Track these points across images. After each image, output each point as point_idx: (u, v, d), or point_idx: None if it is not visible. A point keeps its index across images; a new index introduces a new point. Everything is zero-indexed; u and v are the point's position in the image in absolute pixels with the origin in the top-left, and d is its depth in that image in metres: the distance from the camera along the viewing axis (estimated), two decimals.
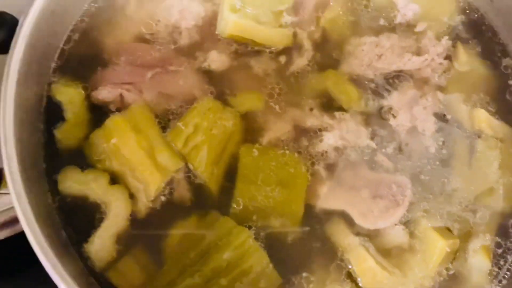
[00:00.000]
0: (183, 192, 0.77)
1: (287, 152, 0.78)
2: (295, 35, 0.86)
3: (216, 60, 0.84)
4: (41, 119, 0.78)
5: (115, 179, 0.75)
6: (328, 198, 0.78)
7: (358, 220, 0.76)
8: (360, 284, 0.74)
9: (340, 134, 0.80)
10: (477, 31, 0.90)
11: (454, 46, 0.87)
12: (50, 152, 0.77)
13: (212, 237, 0.73)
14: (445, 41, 0.86)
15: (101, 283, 0.72)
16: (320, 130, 0.81)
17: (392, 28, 0.88)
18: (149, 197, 0.75)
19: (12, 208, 0.88)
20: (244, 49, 0.85)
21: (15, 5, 0.78)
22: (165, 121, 0.79)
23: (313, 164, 0.79)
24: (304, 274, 0.74)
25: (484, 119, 0.83)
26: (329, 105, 0.83)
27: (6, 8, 0.79)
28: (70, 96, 0.79)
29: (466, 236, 0.78)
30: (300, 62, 0.85)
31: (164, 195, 0.76)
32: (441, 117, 0.83)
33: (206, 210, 0.76)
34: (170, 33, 0.85)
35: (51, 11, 0.77)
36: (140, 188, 0.75)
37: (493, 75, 0.88)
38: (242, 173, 0.76)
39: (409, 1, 0.88)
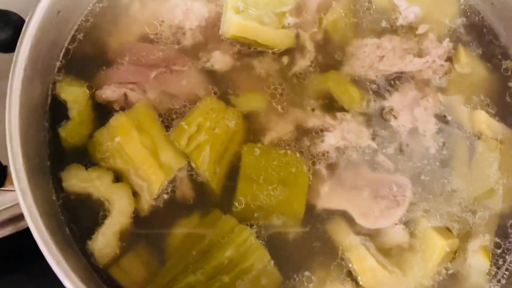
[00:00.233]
0: (185, 190, 0.77)
1: (289, 151, 0.79)
2: (297, 36, 0.87)
3: (220, 60, 0.85)
4: (46, 117, 0.79)
5: (118, 177, 0.76)
6: (329, 198, 0.78)
7: (359, 220, 0.77)
8: (360, 283, 0.74)
9: (342, 135, 0.81)
10: (478, 33, 0.91)
11: (455, 48, 0.88)
12: (55, 150, 0.78)
13: (214, 235, 0.74)
14: (446, 43, 0.87)
15: (104, 280, 0.72)
16: (321, 130, 0.82)
17: (393, 30, 0.89)
18: (152, 195, 0.75)
19: (16, 205, 0.90)
20: (247, 50, 0.86)
21: (21, 5, 0.78)
22: (168, 120, 0.80)
23: (314, 164, 0.79)
24: (305, 273, 0.75)
25: (484, 121, 0.83)
26: (331, 106, 0.84)
27: (12, 7, 0.80)
28: (74, 95, 0.79)
29: (465, 236, 0.78)
30: (303, 63, 0.86)
31: (167, 193, 0.77)
32: (441, 119, 0.84)
33: (208, 208, 0.77)
34: (174, 33, 0.86)
35: (56, 11, 0.78)
36: (143, 186, 0.76)
37: (494, 77, 0.88)
38: (244, 172, 0.77)
39: (411, 4, 0.89)
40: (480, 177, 0.81)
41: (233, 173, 0.78)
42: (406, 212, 0.77)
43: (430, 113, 0.83)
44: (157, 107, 0.81)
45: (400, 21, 0.89)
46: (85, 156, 0.77)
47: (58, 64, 0.82)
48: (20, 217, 0.91)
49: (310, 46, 0.87)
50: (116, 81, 0.81)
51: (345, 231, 0.77)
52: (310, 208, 0.77)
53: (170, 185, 0.77)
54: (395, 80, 0.85)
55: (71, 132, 0.78)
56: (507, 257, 0.80)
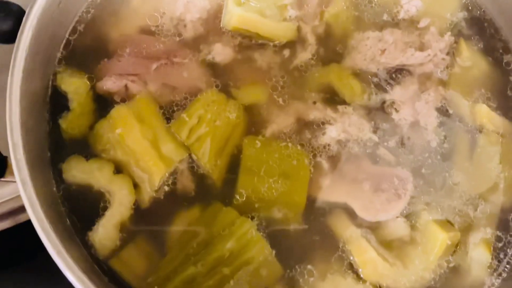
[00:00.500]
0: (186, 182, 0.77)
1: (290, 144, 0.79)
2: (299, 29, 0.87)
3: (221, 52, 0.85)
4: (47, 108, 0.79)
5: (119, 169, 0.76)
6: (330, 191, 0.78)
7: (360, 213, 0.77)
8: (361, 275, 0.74)
9: (343, 127, 0.81)
10: (480, 27, 0.91)
11: (456, 42, 0.88)
12: (55, 141, 0.77)
13: (215, 227, 0.73)
14: (448, 37, 0.87)
15: (104, 271, 0.72)
16: (323, 123, 0.82)
17: (395, 24, 0.89)
18: (153, 187, 0.75)
19: (14, 198, 0.90)
20: (248, 42, 0.86)
21: None
22: (169, 112, 0.80)
23: (315, 156, 0.79)
24: (306, 265, 0.75)
25: (486, 114, 0.83)
26: (332, 99, 0.84)
27: None
28: (75, 86, 0.79)
29: (466, 229, 0.78)
30: (304, 56, 0.86)
31: (167, 185, 0.77)
32: (443, 112, 0.84)
33: (209, 200, 0.77)
34: (175, 25, 0.86)
35: (57, 1, 0.78)
36: (144, 178, 0.75)
37: (495, 71, 0.88)
38: (245, 165, 0.77)
39: None
40: (481, 170, 0.81)
41: (234, 166, 0.78)
42: (407, 205, 0.77)
43: (432, 107, 0.83)
44: (158, 99, 0.81)
45: (401, 15, 0.89)
46: (85, 148, 0.77)
47: (58, 55, 0.82)
48: (18, 210, 0.91)
49: (311, 39, 0.87)
50: (117, 72, 0.81)
51: (346, 224, 0.77)
52: (311, 201, 0.77)
53: (171, 177, 0.77)
54: (396, 74, 0.85)
55: (71, 123, 0.78)
56: (508, 250, 0.80)
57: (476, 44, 0.89)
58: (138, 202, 0.75)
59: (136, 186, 0.75)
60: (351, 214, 0.78)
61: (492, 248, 0.79)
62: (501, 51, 0.90)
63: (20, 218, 0.92)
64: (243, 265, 0.71)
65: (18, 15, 0.76)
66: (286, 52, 0.86)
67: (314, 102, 0.83)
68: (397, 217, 0.77)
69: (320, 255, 0.76)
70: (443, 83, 0.85)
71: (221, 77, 0.83)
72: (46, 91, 0.79)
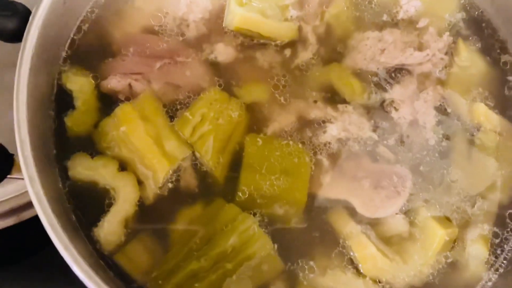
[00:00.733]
0: (190, 179, 0.79)
1: (291, 142, 0.80)
2: (300, 29, 0.88)
3: (223, 52, 0.86)
4: (52, 106, 0.80)
5: (123, 166, 0.77)
6: (331, 188, 0.80)
7: (360, 209, 0.78)
8: (361, 270, 0.76)
9: (343, 126, 0.82)
10: (478, 28, 0.92)
11: (455, 42, 0.89)
12: (61, 138, 0.79)
13: (218, 223, 0.75)
14: (446, 37, 0.88)
15: (109, 266, 0.73)
16: (323, 121, 0.83)
17: (395, 24, 0.90)
18: (157, 184, 0.76)
19: (18, 196, 0.91)
20: (250, 42, 0.87)
21: None
22: (172, 110, 0.81)
23: (316, 154, 0.81)
24: (307, 260, 0.76)
25: (483, 113, 0.85)
26: (333, 98, 0.85)
27: None
28: (80, 84, 0.81)
29: (464, 225, 0.80)
30: (305, 55, 0.87)
31: (171, 182, 0.78)
32: (441, 111, 0.85)
33: (212, 197, 0.78)
34: (178, 25, 0.87)
35: (62, 1, 0.79)
36: (148, 175, 0.77)
37: (493, 71, 0.90)
38: (247, 162, 0.78)
39: None
40: (479, 168, 0.83)
41: (236, 163, 0.79)
42: (406, 202, 0.79)
43: (430, 105, 0.84)
44: (162, 97, 0.82)
45: (401, 15, 0.90)
46: (90, 145, 0.78)
47: (64, 54, 0.83)
48: (22, 207, 0.92)
49: (312, 38, 0.88)
50: (121, 71, 0.82)
51: (346, 220, 0.78)
52: (312, 198, 0.79)
53: (175, 174, 0.78)
54: (396, 73, 0.87)
55: (76, 121, 0.79)
56: (505, 246, 0.81)
57: (474, 44, 0.91)
58: (142, 198, 0.76)
59: (140, 183, 0.77)
60: (351, 210, 0.79)
61: (489, 244, 0.80)
62: (498, 51, 0.91)
63: (24, 215, 0.93)
64: (245, 260, 0.73)
65: (24, 14, 0.78)
66: (288, 52, 0.87)
67: (315, 101, 0.85)
68: (396, 213, 0.78)
69: (320, 251, 0.77)
70: (441, 83, 0.86)
71: (224, 76, 0.85)
72: (51, 89, 0.80)
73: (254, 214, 0.76)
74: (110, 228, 0.74)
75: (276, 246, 0.75)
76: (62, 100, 0.80)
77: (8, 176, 0.74)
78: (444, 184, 0.81)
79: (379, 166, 0.81)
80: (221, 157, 0.79)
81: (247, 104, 0.83)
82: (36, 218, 0.67)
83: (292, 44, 0.88)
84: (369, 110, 0.84)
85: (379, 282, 0.76)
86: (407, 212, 0.79)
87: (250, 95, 0.84)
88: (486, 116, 0.85)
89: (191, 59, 0.85)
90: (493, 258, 0.80)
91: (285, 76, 0.86)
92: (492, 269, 0.80)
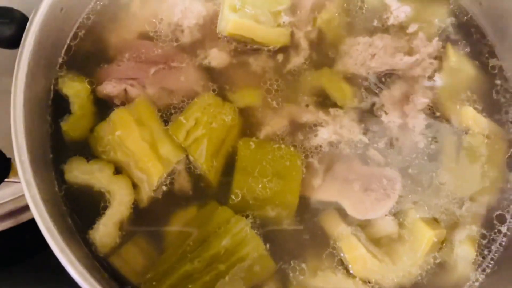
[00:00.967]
0: (183, 182, 0.80)
1: (283, 145, 0.81)
2: (292, 34, 0.90)
3: (217, 57, 0.87)
4: (49, 111, 0.82)
5: (119, 170, 0.79)
6: (322, 190, 0.81)
7: (350, 211, 0.80)
8: (351, 271, 0.77)
9: (334, 130, 0.84)
10: (466, 32, 0.93)
11: (444, 47, 0.91)
12: (57, 143, 0.80)
13: (211, 225, 0.76)
14: (436, 42, 0.90)
15: (104, 268, 0.75)
16: (315, 125, 0.84)
17: (385, 29, 0.92)
18: (151, 187, 0.78)
19: (16, 199, 0.92)
20: (243, 47, 0.89)
21: (25, 3, 0.81)
22: (167, 115, 0.83)
23: (307, 157, 0.82)
24: (298, 261, 0.78)
25: (472, 117, 0.86)
26: (324, 102, 0.86)
27: (16, 5, 0.82)
28: (76, 90, 0.82)
29: (452, 227, 0.81)
30: (297, 60, 0.89)
31: (165, 185, 0.79)
32: (430, 114, 0.86)
33: (206, 200, 0.79)
34: (172, 31, 0.89)
35: (59, 8, 0.81)
36: (143, 178, 0.78)
37: (481, 75, 0.91)
38: (240, 165, 0.80)
39: (402, 4, 0.92)
40: (467, 170, 0.84)
41: (229, 166, 0.81)
42: (395, 204, 0.80)
43: (419, 109, 0.86)
44: (156, 102, 0.83)
45: (391, 21, 0.92)
46: (86, 149, 0.80)
47: (60, 60, 0.85)
48: (20, 210, 0.93)
49: (304, 44, 0.90)
50: (117, 77, 0.84)
51: (337, 222, 0.79)
52: (303, 200, 0.80)
53: (169, 177, 0.80)
54: (386, 78, 0.88)
55: (73, 125, 0.81)
56: (492, 247, 0.82)
57: (463, 49, 0.92)
58: (137, 201, 0.78)
59: (135, 186, 0.78)
60: (342, 212, 0.80)
61: (476, 245, 0.81)
62: (487, 55, 0.93)
63: (22, 218, 0.94)
64: (237, 262, 0.74)
65: (21, 21, 0.79)
66: (280, 57, 0.89)
67: (307, 105, 0.86)
68: (385, 215, 0.80)
69: (312, 252, 0.79)
70: (430, 87, 0.88)
71: (217, 81, 0.86)
72: (48, 94, 0.82)
73: (247, 217, 0.78)
74: (105, 231, 0.75)
75: (268, 247, 0.77)
76: (59, 105, 0.82)
77: (6, 180, 0.76)
78: (432, 186, 0.83)
79: (370, 169, 0.82)
80: (215, 160, 0.80)
81: (240, 109, 0.84)
82: (33, 221, 0.68)
83: (284, 50, 0.89)
84: (359, 114, 0.86)
85: (369, 282, 0.77)
86: (397, 214, 0.80)
87: (243, 100, 0.85)
88: (474, 120, 0.86)
89: (186, 65, 0.87)
90: (480, 259, 0.82)
91: (278, 80, 0.87)
92: (479, 269, 0.81)
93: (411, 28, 0.91)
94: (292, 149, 0.82)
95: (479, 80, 0.91)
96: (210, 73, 0.87)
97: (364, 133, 0.84)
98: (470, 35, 0.94)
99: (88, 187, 0.78)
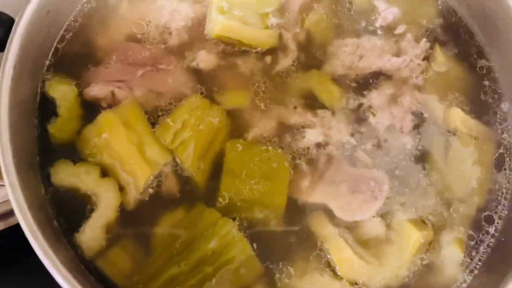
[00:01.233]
0: (171, 185, 0.80)
1: (270, 147, 0.81)
2: (280, 36, 0.90)
3: (205, 59, 0.87)
4: (35, 114, 0.81)
5: (105, 172, 0.78)
6: (310, 192, 0.81)
7: (338, 213, 0.80)
8: (338, 273, 0.77)
9: (322, 131, 0.84)
10: (455, 33, 0.93)
11: (432, 48, 0.91)
12: (44, 146, 0.80)
13: (198, 228, 0.76)
14: (424, 43, 0.90)
15: (91, 271, 0.75)
16: (303, 127, 0.84)
17: (373, 31, 0.92)
18: (138, 190, 0.78)
19: (6, 202, 0.92)
20: (232, 49, 0.88)
21: (11, 5, 0.81)
22: (154, 117, 0.82)
23: (295, 159, 0.82)
24: (286, 263, 0.78)
25: (460, 118, 0.86)
26: (312, 104, 0.86)
27: (2, 8, 0.82)
28: (63, 92, 0.82)
29: (440, 228, 0.81)
30: (285, 62, 0.88)
31: (152, 187, 0.79)
32: (418, 116, 0.86)
33: (193, 202, 0.79)
34: (160, 33, 0.88)
35: (46, 11, 0.80)
36: (129, 181, 0.78)
37: (469, 76, 0.91)
38: (227, 167, 0.80)
39: (390, 5, 0.92)
40: (455, 172, 0.84)
41: (217, 168, 0.80)
42: (383, 205, 0.80)
43: (407, 111, 0.86)
44: (144, 104, 0.83)
45: (379, 22, 0.92)
46: (73, 152, 0.80)
47: (47, 62, 0.85)
48: (10, 213, 0.93)
49: (292, 45, 0.90)
50: (104, 79, 0.84)
51: (324, 224, 0.79)
52: (291, 202, 0.80)
53: (156, 180, 0.80)
54: (373, 79, 0.88)
55: (59, 128, 0.80)
56: (480, 248, 0.82)
57: (451, 50, 0.92)
58: (123, 204, 0.78)
59: (122, 189, 0.78)
60: (329, 214, 0.80)
61: (464, 246, 0.81)
62: (475, 56, 0.93)
63: (11, 221, 0.94)
64: (224, 264, 0.74)
65: (8, 24, 0.79)
66: (268, 59, 0.88)
67: (295, 107, 0.86)
68: (373, 217, 0.80)
69: (299, 254, 0.78)
70: (418, 88, 0.88)
71: (205, 83, 0.86)
72: (35, 97, 0.82)
73: (234, 219, 0.78)
74: (91, 234, 0.75)
75: (255, 249, 0.76)
76: (46, 108, 0.82)
77: None
78: (420, 188, 0.83)
79: (357, 171, 0.82)
80: (202, 162, 0.80)
81: (228, 110, 0.84)
82: None
83: (272, 51, 0.89)
84: (347, 116, 0.86)
85: (356, 284, 0.77)
86: (384, 215, 0.80)
87: (231, 102, 0.85)
88: (462, 121, 0.86)
89: (173, 67, 0.87)
90: (468, 260, 0.82)
91: (266, 82, 0.87)
92: (467, 270, 0.81)
93: (399, 29, 0.91)
94: (279, 151, 0.82)
95: (467, 81, 0.91)
96: (198, 75, 0.87)
97: (352, 135, 0.84)
98: (458, 36, 0.94)
99: (74, 190, 0.78)
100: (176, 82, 0.86)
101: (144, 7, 0.90)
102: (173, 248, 0.75)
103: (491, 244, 0.83)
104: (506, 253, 0.80)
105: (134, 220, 0.78)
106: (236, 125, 0.84)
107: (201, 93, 0.85)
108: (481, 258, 0.82)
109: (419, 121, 0.86)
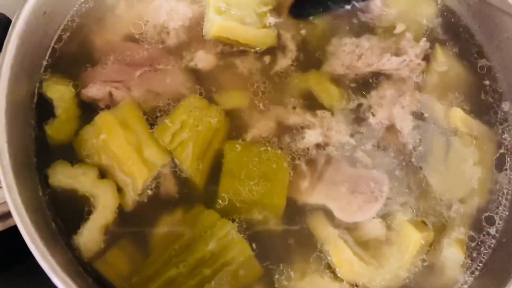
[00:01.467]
0: (169, 186, 0.79)
1: (269, 148, 0.81)
2: (279, 36, 0.89)
3: (203, 59, 0.87)
4: (33, 115, 0.81)
5: (103, 174, 0.78)
6: (309, 193, 0.80)
7: (338, 214, 0.79)
8: (338, 275, 0.77)
9: (322, 132, 0.83)
10: (454, 33, 0.93)
11: (432, 47, 0.90)
12: (41, 147, 0.79)
13: (197, 229, 0.75)
14: (423, 43, 0.89)
15: (89, 273, 0.74)
16: (302, 127, 0.84)
17: (372, 30, 0.91)
18: (136, 191, 0.77)
19: (4, 203, 0.91)
20: (230, 49, 0.88)
21: (8, 5, 0.80)
22: (152, 118, 0.82)
23: (294, 159, 0.81)
24: (285, 265, 0.77)
25: (460, 118, 0.86)
26: (312, 104, 0.86)
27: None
28: (60, 93, 0.81)
29: (440, 229, 0.81)
30: (284, 62, 0.88)
31: (151, 189, 0.79)
32: (418, 116, 0.86)
33: (192, 203, 0.79)
34: (158, 33, 0.88)
35: (43, 11, 0.80)
36: (127, 182, 0.77)
37: (469, 75, 0.91)
38: (226, 168, 0.79)
39: (389, 4, 0.91)
40: (456, 172, 0.84)
41: (216, 169, 0.80)
42: (383, 206, 0.80)
43: (407, 111, 0.85)
44: (142, 105, 0.82)
45: (378, 21, 0.91)
46: (71, 153, 0.79)
47: (44, 63, 0.84)
48: (8, 214, 0.92)
49: (291, 45, 0.89)
50: (102, 79, 0.83)
51: (324, 225, 0.79)
52: (290, 203, 0.79)
53: (154, 181, 0.79)
54: (373, 79, 0.87)
55: (57, 129, 0.80)
56: (481, 249, 0.82)
57: (451, 49, 0.91)
58: (122, 205, 0.77)
59: (120, 190, 0.77)
60: (329, 215, 0.80)
61: (465, 247, 0.81)
62: (475, 55, 0.92)
63: (10, 222, 0.94)
64: (223, 266, 0.73)
65: (5, 24, 0.79)
66: (267, 59, 0.88)
67: (294, 107, 0.85)
68: (373, 218, 0.79)
69: (299, 256, 0.78)
70: (418, 88, 0.87)
71: (204, 83, 0.85)
72: (32, 98, 0.81)
73: (233, 220, 0.77)
74: (89, 236, 0.75)
75: (255, 251, 0.76)
76: (43, 109, 0.81)
77: None
78: (420, 188, 0.82)
79: (357, 171, 0.82)
80: (201, 163, 0.80)
81: (226, 111, 0.83)
82: None
83: (271, 51, 0.88)
84: (347, 116, 0.85)
85: (356, 286, 0.77)
86: (384, 216, 0.80)
87: (229, 102, 0.85)
88: (463, 121, 0.86)
89: (171, 67, 0.86)
90: (469, 261, 0.81)
91: (265, 82, 0.86)
92: (468, 271, 0.81)
93: (399, 29, 0.90)
94: (279, 151, 0.81)
95: (468, 80, 0.90)
96: (196, 75, 0.86)
97: (352, 135, 0.84)
98: (459, 35, 0.93)
99: (72, 191, 0.77)
100: (174, 82, 0.85)
101: (141, 6, 0.89)
102: (171, 249, 0.75)
103: (492, 245, 0.82)
104: (507, 254, 0.80)
105: (132, 222, 0.77)
106: (235, 126, 0.83)
107: (200, 94, 0.85)
108: (482, 259, 0.81)
109: (419, 121, 0.86)
